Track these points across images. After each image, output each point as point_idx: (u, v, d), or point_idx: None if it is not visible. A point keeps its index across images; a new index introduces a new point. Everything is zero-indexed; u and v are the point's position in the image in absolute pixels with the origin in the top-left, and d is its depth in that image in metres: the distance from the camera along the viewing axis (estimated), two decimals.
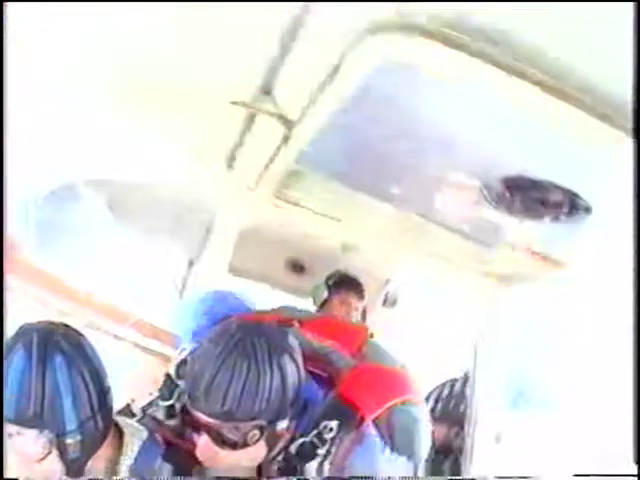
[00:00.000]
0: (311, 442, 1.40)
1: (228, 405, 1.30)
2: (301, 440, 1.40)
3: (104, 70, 1.45)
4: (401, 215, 1.64)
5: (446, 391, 2.53)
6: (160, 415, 1.52)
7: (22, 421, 1.26)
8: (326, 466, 1.39)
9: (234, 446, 1.34)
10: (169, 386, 1.54)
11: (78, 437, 1.29)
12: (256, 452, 1.36)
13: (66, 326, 1.36)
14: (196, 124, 1.54)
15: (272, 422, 1.34)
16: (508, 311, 2.33)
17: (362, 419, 1.43)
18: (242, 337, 1.32)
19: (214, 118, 1.46)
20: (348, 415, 1.43)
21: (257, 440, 1.34)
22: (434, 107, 1.15)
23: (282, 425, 1.36)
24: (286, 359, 1.34)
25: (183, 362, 1.51)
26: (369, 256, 2.53)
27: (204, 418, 1.32)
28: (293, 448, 1.40)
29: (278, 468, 1.41)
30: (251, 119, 1.38)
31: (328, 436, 1.40)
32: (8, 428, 1.26)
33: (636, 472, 1.17)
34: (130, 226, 2.41)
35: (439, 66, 0.97)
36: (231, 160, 1.65)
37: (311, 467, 1.39)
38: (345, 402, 1.45)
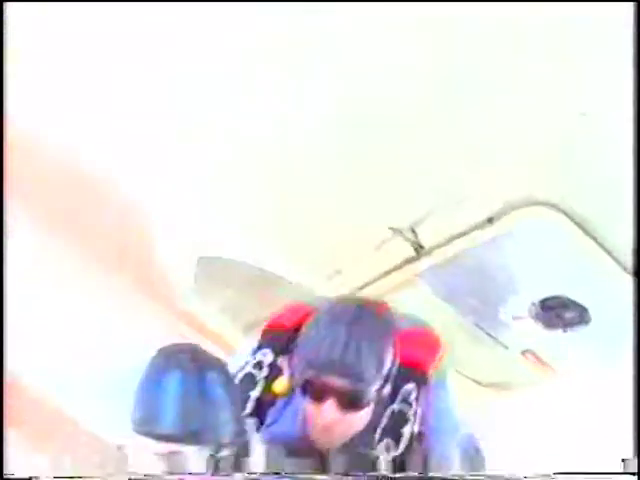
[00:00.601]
0: (400, 409, 1.57)
1: (360, 366, 1.45)
2: (392, 408, 1.57)
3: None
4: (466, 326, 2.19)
5: None
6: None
7: (183, 439, 1.30)
8: (416, 426, 1.57)
9: (356, 408, 1.48)
10: None
11: (230, 451, 1.36)
12: (366, 416, 1.52)
13: None
14: (323, 233, 1.99)
15: (383, 386, 1.51)
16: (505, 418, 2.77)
17: (427, 376, 1.63)
18: (362, 313, 1.51)
19: (341, 233, 1.97)
20: (418, 376, 1.61)
21: (370, 403, 1.50)
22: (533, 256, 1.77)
23: (387, 390, 1.53)
24: (392, 330, 1.55)
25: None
26: None
27: (337, 382, 1.46)
28: (386, 416, 1.56)
29: (381, 434, 1.56)
30: (382, 243, 1.94)
31: (411, 399, 1.58)
32: (160, 447, 1.30)
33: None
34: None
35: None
36: (337, 272, 2.19)
37: (407, 431, 1.56)
38: (410, 365, 1.61)
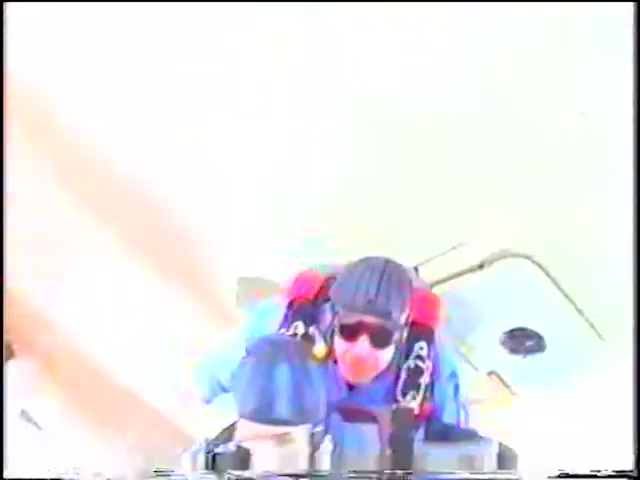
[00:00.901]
0: (415, 364, 1.78)
1: (390, 307, 1.67)
2: (408, 363, 1.78)
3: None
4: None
5: None
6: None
7: (295, 422, 1.46)
8: (428, 378, 1.78)
9: (384, 345, 1.70)
10: None
11: (323, 426, 1.50)
12: (389, 353, 1.73)
13: None
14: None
15: (403, 328, 1.74)
16: None
17: (434, 333, 1.83)
18: (390, 265, 1.74)
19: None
20: (428, 334, 1.81)
21: (393, 342, 1.71)
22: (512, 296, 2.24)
23: (405, 334, 1.76)
24: (411, 283, 1.78)
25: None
26: None
27: (370, 319, 1.67)
28: (404, 371, 1.77)
29: (403, 387, 1.77)
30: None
31: (423, 354, 1.79)
32: (267, 429, 1.44)
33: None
34: None
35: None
36: None
37: (423, 382, 1.77)
38: (420, 325, 1.80)
